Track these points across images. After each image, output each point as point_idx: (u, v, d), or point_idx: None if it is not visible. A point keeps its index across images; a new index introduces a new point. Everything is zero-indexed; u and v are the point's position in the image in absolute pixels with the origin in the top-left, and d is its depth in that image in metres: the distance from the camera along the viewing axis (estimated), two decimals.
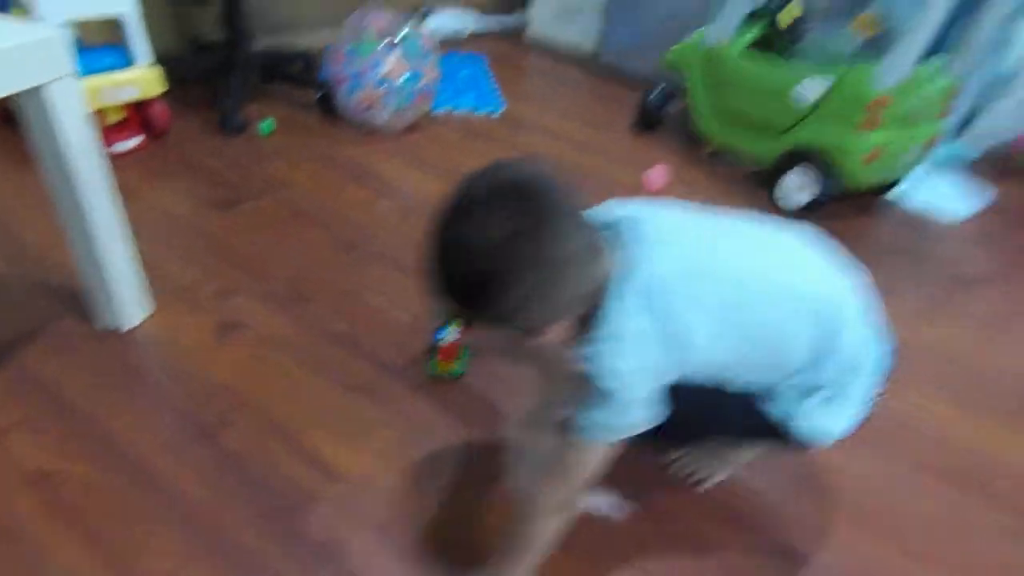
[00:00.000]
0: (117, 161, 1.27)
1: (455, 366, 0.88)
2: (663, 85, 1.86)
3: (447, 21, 2.40)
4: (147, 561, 0.63)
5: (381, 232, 1.20)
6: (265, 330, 0.94)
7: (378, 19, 1.50)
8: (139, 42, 1.31)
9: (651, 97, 1.87)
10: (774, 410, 0.64)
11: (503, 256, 0.50)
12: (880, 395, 0.66)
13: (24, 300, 0.91)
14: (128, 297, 0.88)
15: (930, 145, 1.60)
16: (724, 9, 1.66)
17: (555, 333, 0.57)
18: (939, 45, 1.47)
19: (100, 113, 1.27)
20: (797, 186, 1.53)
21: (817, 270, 0.64)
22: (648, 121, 1.91)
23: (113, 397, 0.80)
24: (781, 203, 1.56)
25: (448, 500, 0.73)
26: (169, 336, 0.90)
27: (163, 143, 1.41)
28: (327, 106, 1.61)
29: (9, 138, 1.29)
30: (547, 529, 0.60)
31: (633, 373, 0.56)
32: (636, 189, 1.53)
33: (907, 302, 1.28)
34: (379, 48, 1.47)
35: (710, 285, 0.57)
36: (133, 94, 1.30)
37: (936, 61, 1.45)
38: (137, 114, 1.36)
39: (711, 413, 0.66)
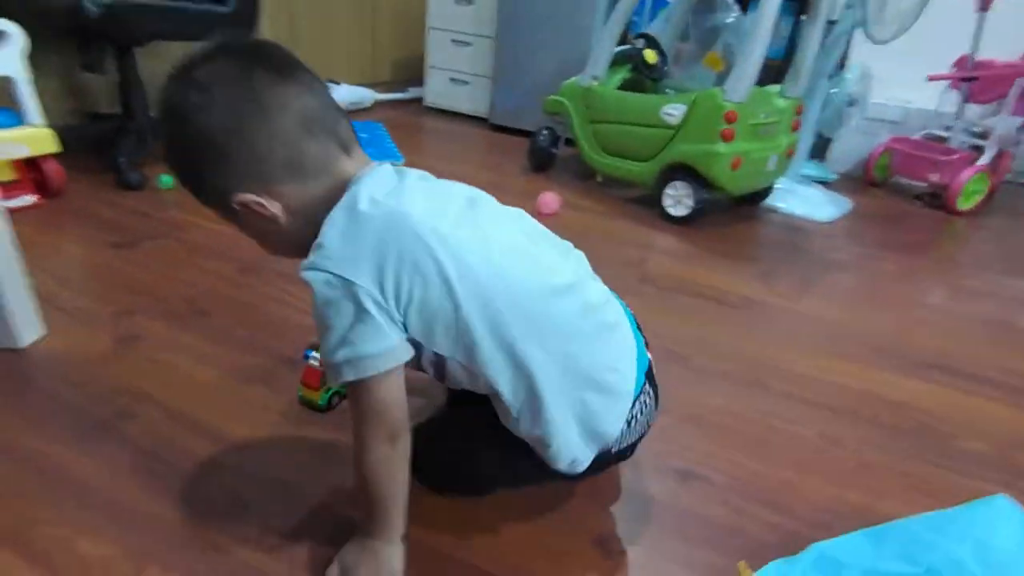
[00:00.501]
0: (11, 216, 1.33)
1: (318, 397, 0.84)
2: (548, 128, 2.15)
3: (345, 94, 2.66)
4: (39, 532, 0.64)
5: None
6: (164, 340, 0.99)
7: None
8: (29, 103, 1.41)
9: (539, 140, 2.15)
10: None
11: (192, 88, 0.52)
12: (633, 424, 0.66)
13: None
14: (21, 318, 0.91)
15: (789, 155, 1.94)
16: (593, 53, 2.00)
17: (257, 205, 0.55)
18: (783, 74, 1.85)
19: None
20: (677, 198, 1.80)
21: (573, 265, 0.67)
22: (539, 162, 2.18)
23: (5, 403, 0.82)
24: (669, 214, 1.81)
25: (343, 464, 0.76)
26: (65, 351, 0.93)
27: (60, 202, 1.46)
28: None
29: None
30: (378, 471, 0.58)
31: (329, 284, 0.52)
32: (532, 215, 1.73)
33: (786, 280, 1.52)
34: None
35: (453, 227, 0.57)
36: (23, 152, 1.37)
37: (775, 86, 1.82)
38: (31, 174, 1.42)
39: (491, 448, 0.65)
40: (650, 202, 1.89)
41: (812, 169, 2.38)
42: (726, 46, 1.93)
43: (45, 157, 1.43)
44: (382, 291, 0.53)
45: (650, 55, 1.94)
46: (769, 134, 1.81)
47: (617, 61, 1.99)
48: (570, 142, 2.12)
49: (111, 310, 1.06)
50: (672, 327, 1.23)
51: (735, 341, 1.19)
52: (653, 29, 2.04)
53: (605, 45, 1.96)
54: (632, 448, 0.71)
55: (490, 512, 0.72)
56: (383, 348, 0.54)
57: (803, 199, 2.12)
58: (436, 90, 2.93)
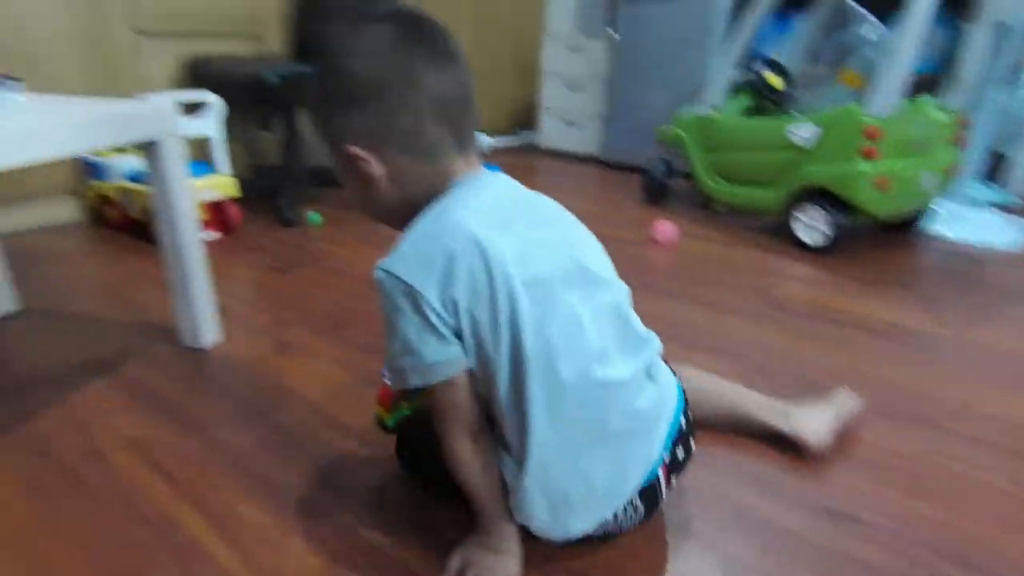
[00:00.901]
0: None
1: (388, 417, 0.84)
2: (662, 159, 2.15)
3: None
4: (213, 496, 0.77)
5: None
6: (311, 347, 1.14)
7: None
8: (221, 157, 1.74)
9: (653, 171, 2.16)
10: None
11: (357, 44, 0.57)
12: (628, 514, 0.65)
13: (131, 333, 1.20)
14: (206, 325, 1.13)
15: (950, 172, 1.76)
16: (710, 81, 2.00)
17: (363, 156, 0.58)
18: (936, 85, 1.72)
19: None
20: (810, 224, 1.69)
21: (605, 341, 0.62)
22: (654, 193, 2.18)
23: (191, 390, 1.01)
24: (800, 241, 1.71)
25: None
26: (236, 352, 1.12)
27: (236, 237, 1.76)
28: None
29: (131, 242, 1.72)
30: (466, 469, 0.61)
31: (397, 289, 0.55)
32: (646, 245, 1.74)
33: (954, 310, 1.36)
34: None
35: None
36: (214, 196, 1.69)
37: (931, 97, 1.68)
38: (216, 215, 1.74)
39: None
40: (778, 230, 1.81)
41: (986, 191, 2.12)
42: (866, 62, 1.83)
43: (227, 200, 1.74)
44: (444, 306, 0.55)
45: (774, 79, 1.90)
46: (923, 150, 1.66)
47: (738, 89, 1.97)
48: (686, 175, 2.11)
49: (270, 321, 1.25)
50: (808, 355, 1.15)
51: (889, 373, 1.09)
52: (776, 53, 2.00)
53: (722, 72, 1.96)
54: (601, 538, 0.68)
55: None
56: (446, 357, 0.57)
57: (974, 224, 1.89)
58: (549, 132, 3.09)
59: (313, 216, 1.90)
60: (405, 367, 0.58)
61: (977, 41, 1.68)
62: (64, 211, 1.88)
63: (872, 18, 1.86)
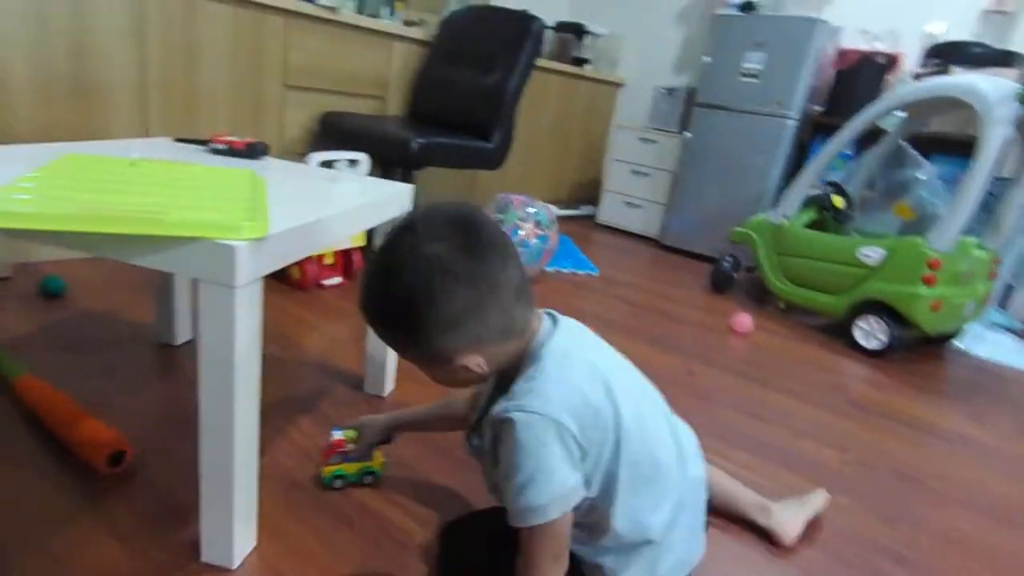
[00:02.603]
0: (327, 290, 1.76)
1: (325, 474, 0.91)
2: (731, 255, 2.36)
3: (553, 212, 3.08)
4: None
5: None
6: None
7: (518, 198, 2.07)
8: None
9: (723, 264, 2.36)
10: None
11: (435, 273, 0.56)
12: None
13: (307, 372, 1.27)
14: (389, 378, 1.24)
15: (984, 301, 1.97)
16: (788, 195, 2.22)
17: (470, 362, 0.61)
18: (978, 226, 1.95)
19: (320, 256, 1.76)
20: (869, 332, 1.88)
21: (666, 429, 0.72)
22: (720, 283, 2.36)
23: None
24: (859, 344, 1.89)
25: None
26: (412, 399, 1.22)
27: (357, 283, 1.86)
28: None
29: (269, 282, 1.79)
30: None
31: (545, 426, 0.58)
32: (724, 332, 1.90)
33: (993, 423, 1.54)
34: (519, 216, 2.01)
35: (599, 376, 0.64)
36: (346, 244, 1.81)
37: (975, 237, 1.90)
38: (342, 261, 1.85)
39: None
40: (836, 331, 1.98)
41: (997, 316, 2.35)
42: (917, 199, 2.06)
43: (355, 248, 1.85)
44: (582, 433, 0.60)
45: (838, 200, 2.12)
46: (969, 281, 1.88)
47: (806, 203, 2.19)
48: (750, 269, 2.29)
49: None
50: (883, 448, 1.31)
51: (949, 470, 1.26)
52: (837, 177, 2.23)
53: (801, 189, 2.18)
54: None
55: None
56: (577, 483, 0.61)
57: (994, 345, 2.11)
58: (609, 210, 3.30)
59: None
60: (544, 501, 0.59)
61: (1016, 198, 1.92)
62: None
63: (925, 161, 2.11)
